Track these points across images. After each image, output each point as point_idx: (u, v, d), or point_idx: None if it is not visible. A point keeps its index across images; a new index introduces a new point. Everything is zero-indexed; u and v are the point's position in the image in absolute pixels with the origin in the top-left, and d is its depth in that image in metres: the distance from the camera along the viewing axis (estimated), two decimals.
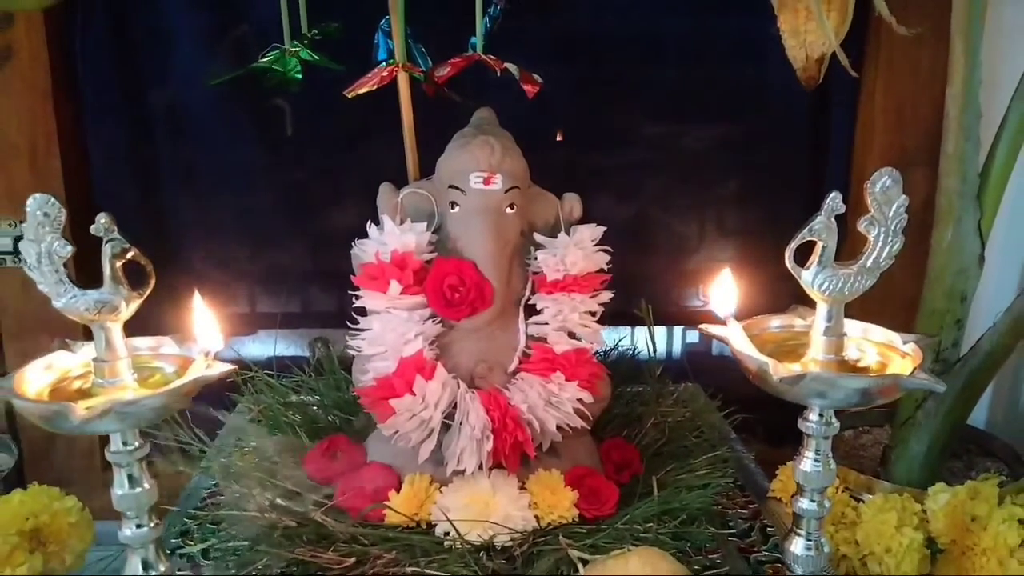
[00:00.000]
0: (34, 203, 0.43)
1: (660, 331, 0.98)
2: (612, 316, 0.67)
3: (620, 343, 0.83)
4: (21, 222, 0.85)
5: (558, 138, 0.91)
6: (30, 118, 0.82)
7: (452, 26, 0.67)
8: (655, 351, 0.78)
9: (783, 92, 0.83)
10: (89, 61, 0.83)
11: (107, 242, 0.44)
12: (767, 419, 0.80)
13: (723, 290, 0.50)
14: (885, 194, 0.45)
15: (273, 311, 0.96)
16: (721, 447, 0.66)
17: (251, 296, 0.95)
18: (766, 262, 0.78)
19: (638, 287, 0.91)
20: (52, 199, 0.43)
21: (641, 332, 0.82)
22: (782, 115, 0.88)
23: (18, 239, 0.84)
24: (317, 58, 0.63)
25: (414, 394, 0.58)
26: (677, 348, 1.00)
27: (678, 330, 0.99)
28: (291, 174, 0.88)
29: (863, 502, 0.67)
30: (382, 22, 0.69)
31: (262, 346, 0.95)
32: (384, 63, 0.68)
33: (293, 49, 0.63)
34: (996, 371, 0.67)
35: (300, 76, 0.67)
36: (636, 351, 0.82)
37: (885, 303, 0.68)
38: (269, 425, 0.71)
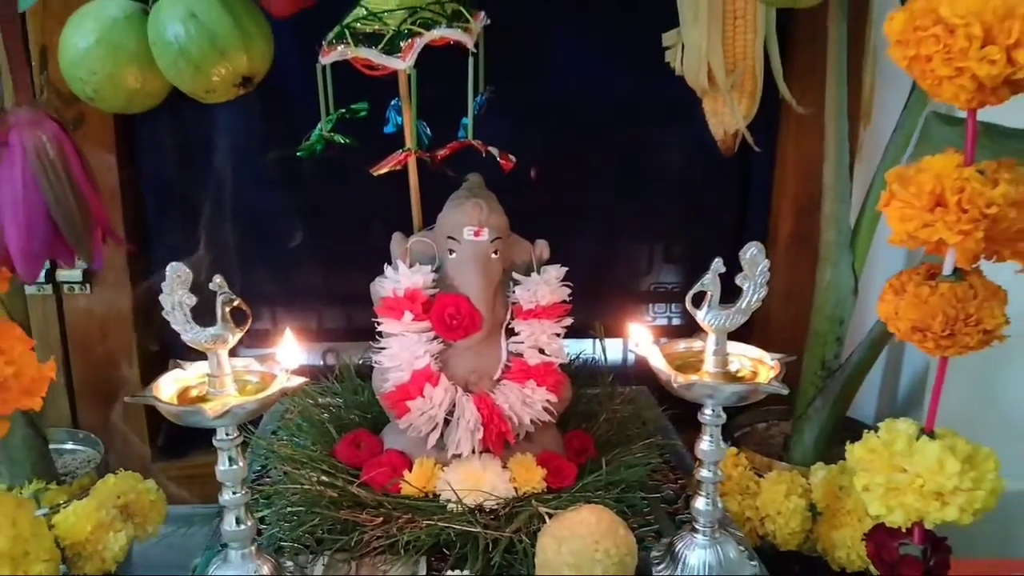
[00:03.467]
0: (171, 269, 0.64)
1: (617, 343, 1.21)
2: (576, 330, 0.89)
3: (582, 353, 1.05)
4: None
5: (532, 175, 1.13)
6: (97, 171, 1.02)
7: (446, 100, 0.88)
8: (607, 360, 1.01)
9: (716, 148, 1.06)
10: (147, 125, 1.04)
11: (220, 295, 0.66)
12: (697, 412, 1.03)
13: (641, 332, 0.73)
14: (753, 259, 0.67)
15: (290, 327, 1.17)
16: (656, 435, 0.90)
17: (273, 314, 1.17)
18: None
19: (598, 306, 1.14)
20: (183, 266, 0.64)
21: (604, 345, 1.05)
22: (715, 166, 1.10)
23: (86, 271, 1.05)
24: (348, 141, 0.85)
25: (424, 397, 0.80)
26: (631, 356, 1.23)
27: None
28: (311, 215, 1.10)
29: (764, 478, 0.90)
30: (393, 101, 0.91)
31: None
32: (396, 133, 0.90)
33: (329, 135, 0.84)
34: (865, 376, 0.91)
35: (322, 148, 0.88)
36: (594, 360, 1.05)
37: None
38: (302, 420, 0.93)
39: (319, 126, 0.86)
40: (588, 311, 0.96)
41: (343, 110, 0.88)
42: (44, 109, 0.53)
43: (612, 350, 1.13)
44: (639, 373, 1.07)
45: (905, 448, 0.61)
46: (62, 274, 1.05)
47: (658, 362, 0.70)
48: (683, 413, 0.98)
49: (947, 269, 0.58)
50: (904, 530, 0.62)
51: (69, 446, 0.98)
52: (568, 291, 0.85)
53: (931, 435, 0.61)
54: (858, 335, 0.93)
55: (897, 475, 0.60)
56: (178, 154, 1.06)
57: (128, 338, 1.08)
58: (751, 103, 0.93)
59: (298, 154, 0.87)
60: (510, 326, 0.84)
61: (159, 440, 1.14)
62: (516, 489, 0.80)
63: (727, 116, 0.92)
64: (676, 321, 1.21)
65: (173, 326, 0.66)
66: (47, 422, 1.07)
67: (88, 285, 1.06)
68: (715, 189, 1.13)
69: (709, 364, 0.69)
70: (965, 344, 0.56)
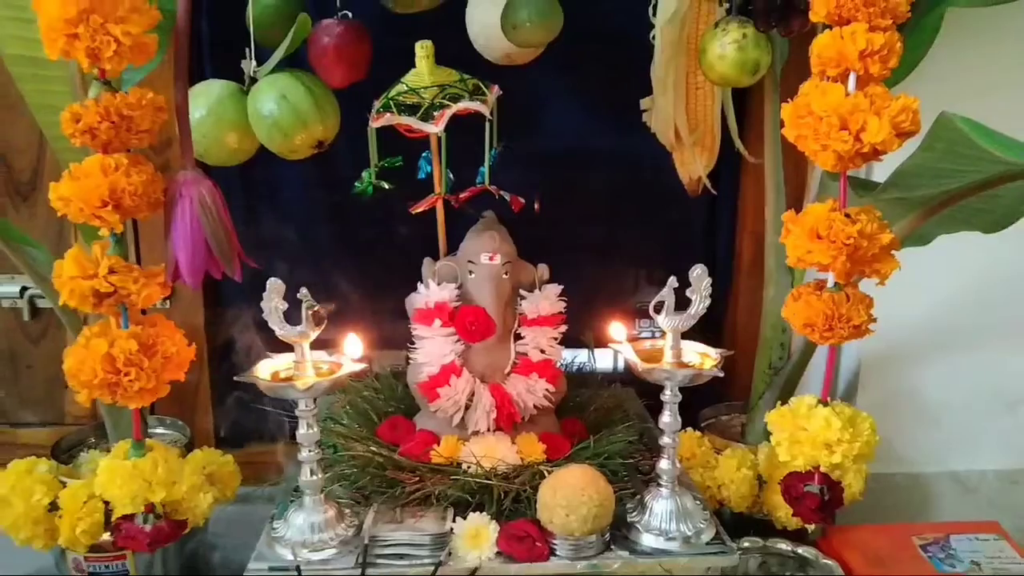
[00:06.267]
0: (270, 284, 0.90)
1: (607, 352, 1.47)
2: (572, 341, 1.15)
3: (576, 359, 1.31)
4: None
5: (536, 206, 1.39)
6: None
7: (468, 152, 1.15)
8: (598, 366, 1.27)
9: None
10: (220, 171, 1.31)
11: (304, 302, 0.92)
12: None
13: (619, 330, 0.99)
14: (698, 277, 0.93)
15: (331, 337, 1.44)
16: (634, 419, 1.15)
17: None
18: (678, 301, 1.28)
19: (591, 321, 1.40)
20: (279, 280, 0.90)
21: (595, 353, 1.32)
22: (689, 205, 1.37)
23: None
24: (391, 186, 1.11)
25: (450, 386, 1.06)
26: (621, 364, 1.48)
27: None
28: (353, 243, 1.37)
29: (721, 455, 1.16)
30: (424, 153, 1.17)
31: None
32: (425, 179, 1.17)
33: (377, 181, 1.11)
34: (803, 373, 1.16)
35: (372, 191, 1.15)
36: (587, 367, 1.31)
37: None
38: (350, 409, 1.18)
39: (366, 172, 1.13)
40: (582, 325, 1.22)
41: (384, 161, 1.14)
42: (202, 172, 0.81)
43: (603, 358, 1.38)
44: (625, 377, 1.33)
45: (806, 413, 0.87)
46: None
47: (630, 355, 0.96)
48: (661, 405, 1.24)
49: (830, 283, 0.84)
50: (805, 472, 0.87)
51: (159, 430, 1.24)
52: (564, 305, 1.11)
53: (825, 404, 0.87)
54: (798, 341, 1.20)
55: (799, 432, 0.86)
56: (244, 195, 1.33)
57: (200, 347, 1.34)
58: (710, 156, 1.20)
59: (353, 194, 1.13)
60: (517, 332, 1.09)
61: (221, 432, 1.40)
62: (522, 460, 1.05)
63: (691, 166, 1.19)
64: (659, 334, 1.46)
65: (270, 324, 0.92)
66: None
67: (168, 302, 1.32)
68: (689, 224, 1.40)
69: (667, 356, 0.96)
70: (840, 335, 0.82)
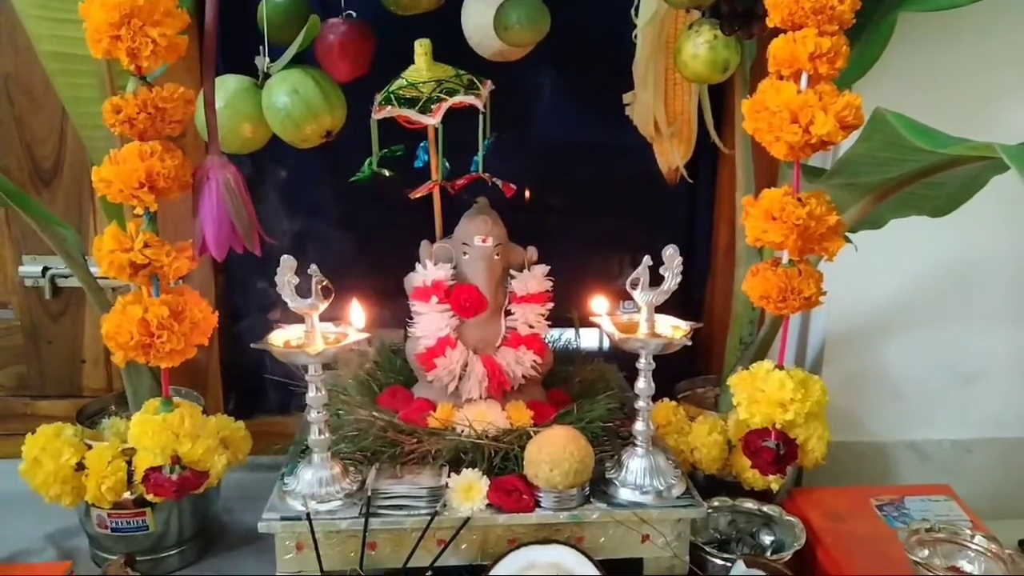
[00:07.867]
0: (284, 261, 1.02)
1: (593, 332, 1.59)
2: (560, 321, 1.27)
3: (563, 337, 1.43)
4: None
5: (527, 196, 1.51)
6: None
7: (463, 142, 1.26)
8: (583, 344, 1.39)
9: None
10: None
11: (315, 278, 1.03)
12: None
13: (600, 304, 1.11)
14: (670, 257, 1.05)
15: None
16: (615, 390, 1.27)
17: None
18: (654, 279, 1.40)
19: (577, 302, 1.52)
20: (292, 258, 1.02)
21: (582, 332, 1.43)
22: (669, 191, 1.49)
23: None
24: (391, 174, 1.22)
25: (446, 357, 1.18)
26: (605, 342, 1.60)
27: None
28: (356, 226, 1.48)
29: (694, 421, 1.28)
30: (422, 143, 1.29)
31: None
32: (422, 167, 1.28)
33: (378, 169, 1.22)
34: (770, 346, 1.28)
35: (371, 177, 1.26)
36: (573, 344, 1.43)
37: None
38: (352, 379, 1.30)
39: (368, 161, 1.24)
40: (569, 305, 1.34)
41: (386, 150, 1.26)
42: (226, 158, 0.92)
43: (588, 337, 1.50)
44: (608, 354, 1.45)
45: (763, 376, 0.98)
46: None
47: (608, 326, 1.08)
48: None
49: (784, 259, 0.96)
50: (762, 429, 0.99)
51: (175, 399, 1.36)
52: (551, 284, 1.23)
53: (780, 368, 0.99)
54: (768, 318, 1.31)
55: (757, 392, 0.98)
56: (258, 181, 1.45)
57: None
58: (688, 147, 1.32)
59: (351, 182, 1.24)
60: (508, 308, 1.21)
61: (230, 404, 1.52)
62: (511, 424, 1.17)
63: (670, 156, 1.31)
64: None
65: (283, 297, 1.03)
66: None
67: (181, 280, 1.43)
68: (669, 210, 1.52)
69: (643, 328, 1.07)
70: (792, 306, 0.94)
